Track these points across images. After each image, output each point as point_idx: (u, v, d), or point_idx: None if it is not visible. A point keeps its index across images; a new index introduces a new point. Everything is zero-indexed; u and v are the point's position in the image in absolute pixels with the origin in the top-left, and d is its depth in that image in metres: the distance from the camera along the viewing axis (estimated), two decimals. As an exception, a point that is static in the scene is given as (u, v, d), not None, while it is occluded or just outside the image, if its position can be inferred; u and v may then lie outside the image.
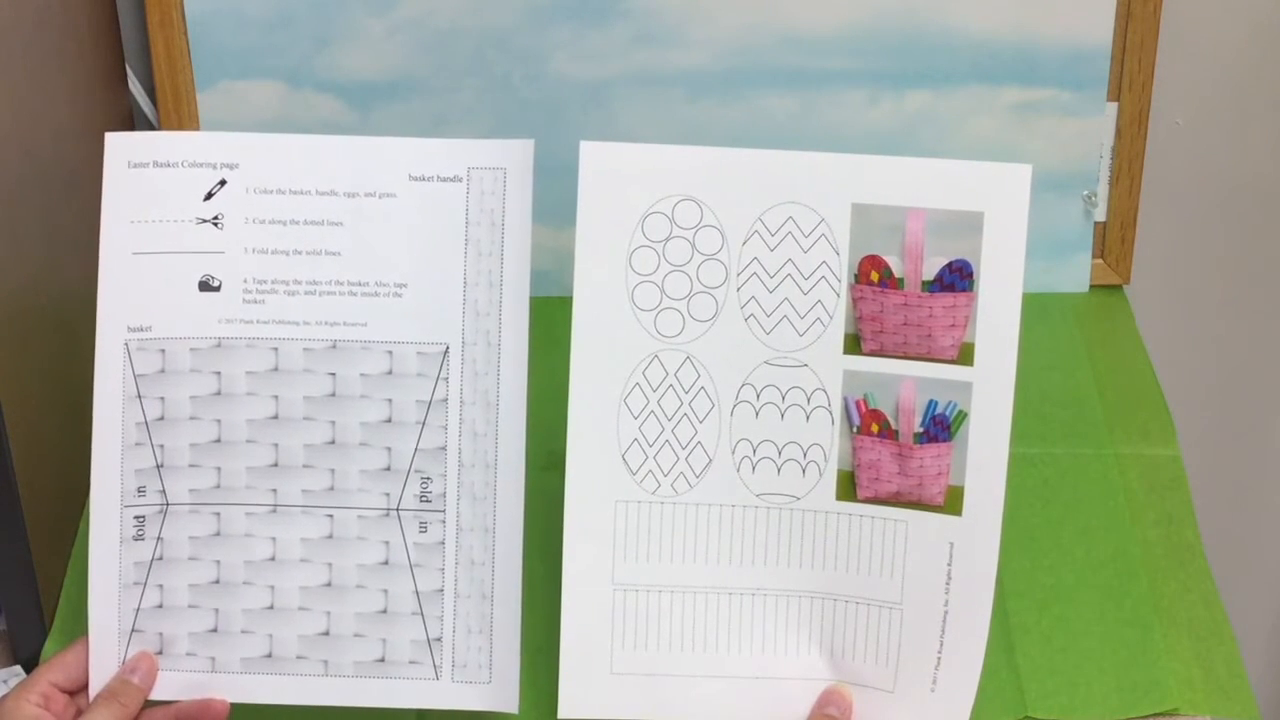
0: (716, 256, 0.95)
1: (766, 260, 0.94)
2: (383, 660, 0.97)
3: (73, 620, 1.05)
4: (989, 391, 0.93)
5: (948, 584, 0.95)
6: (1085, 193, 1.23)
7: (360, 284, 0.97)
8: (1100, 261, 1.25)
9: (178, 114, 1.19)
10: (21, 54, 1.02)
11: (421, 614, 0.97)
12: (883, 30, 1.18)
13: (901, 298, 0.93)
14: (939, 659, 0.96)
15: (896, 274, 0.93)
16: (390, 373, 0.97)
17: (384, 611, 0.97)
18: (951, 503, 0.94)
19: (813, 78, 1.19)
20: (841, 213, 0.93)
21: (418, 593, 0.97)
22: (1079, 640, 1.04)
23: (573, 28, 1.18)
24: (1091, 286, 1.25)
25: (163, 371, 0.96)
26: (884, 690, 0.96)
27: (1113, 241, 1.24)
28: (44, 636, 1.04)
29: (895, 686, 0.96)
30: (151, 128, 1.22)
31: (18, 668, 1.05)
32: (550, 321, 1.13)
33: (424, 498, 0.97)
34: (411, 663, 0.97)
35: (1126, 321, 1.24)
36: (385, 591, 0.97)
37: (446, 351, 0.97)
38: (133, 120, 1.24)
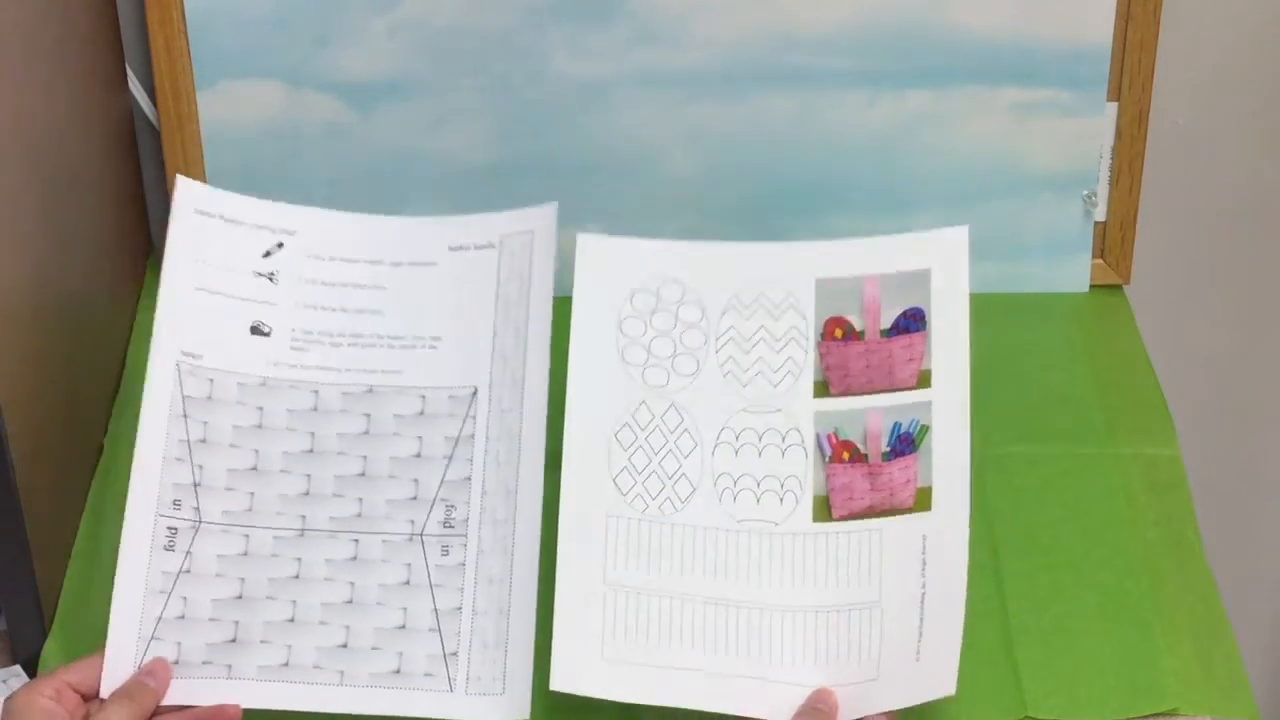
0: (697, 325, 1.03)
1: (741, 327, 1.03)
2: (398, 672, 0.98)
3: (73, 620, 1.05)
4: (947, 404, 1.00)
5: (923, 569, 0.98)
6: (1085, 193, 1.23)
7: (398, 338, 1.04)
8: (1100, 261, 1.25)
9: (178, 114, 1.19)
10: (21, 54, 1.02)
11: (439, 631, 0.99)
12: (883, 30, 1.18)
13: (863, 347, 1.02)
14: (920, 632, 0.97)
15: (858, 327, 1.03)
16: (422, 414, 1.02)
17: (402, 627, 0.99)
18: (921, 501, 1.00)
19: (813, 78, 1.19)
20: (807, 286, 1.04)
21: (436, 611, 0.99)
22: (1079, 640, 1.04)
23: (573, 28, 1.18)
24: (1091, 286, 1.25)
25: (210, 398, 1.01)
26: (869, 679, 0.97)
27: (1113, 241, 1.24)
28: (44, 636, 1.04)
29: (879, 673, 0.97)
30: (151, 128, 1.22)
31: (17, 668, 1.05)
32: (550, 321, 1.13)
33: (448, 523, 1.00)
34: (426, 675, 0.98)
35: (1126, 321, 1.24)
36: (404, 609, 0.99)
37: (475, 393, 1.02)
38: (133, 120, 1.24)
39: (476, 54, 1.18)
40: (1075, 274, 1.25)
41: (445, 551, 1.00)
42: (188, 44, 1.18)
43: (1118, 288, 1.25)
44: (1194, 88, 1.29)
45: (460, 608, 0.99)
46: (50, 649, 1.04)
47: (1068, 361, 1.21)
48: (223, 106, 1.19)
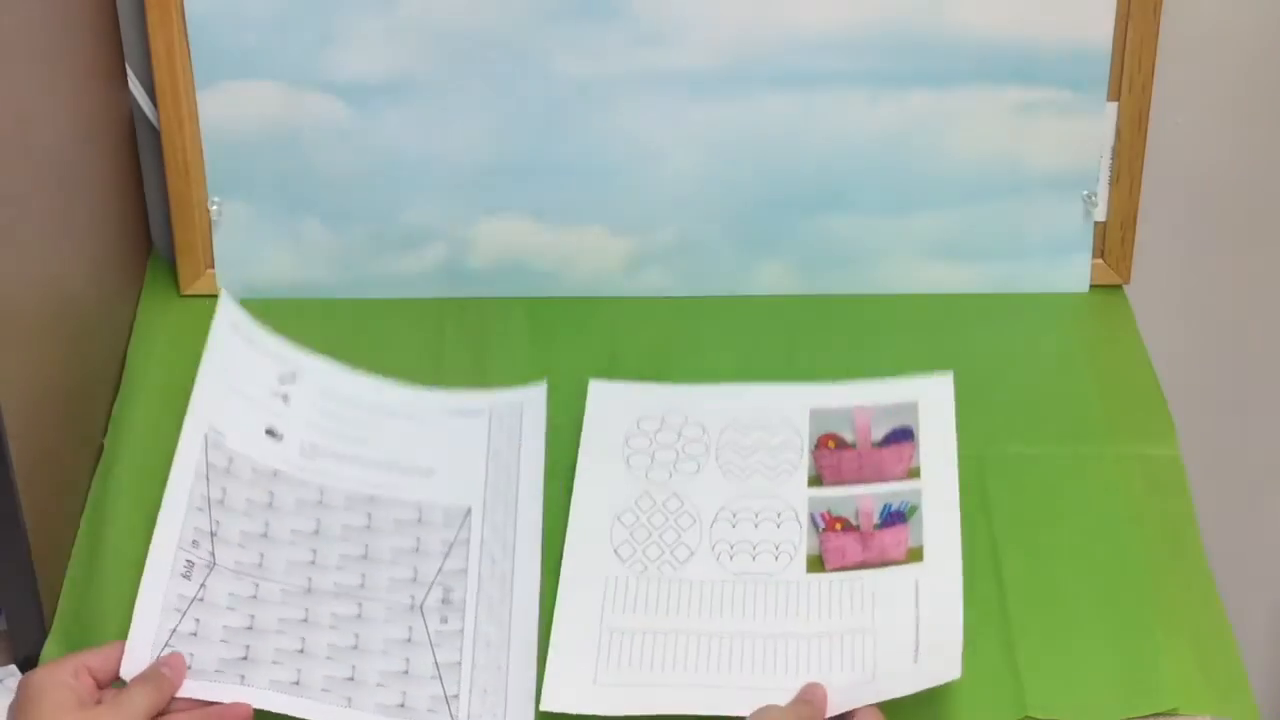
0: (699, 440, 1.12)
1: (740, 441, 1.11)
2: (403, 706, 1.00)
3: (73, 620, 1.05)
4: (937, 490, 1.06)
5: (916, 603, 1.01)
6: (1085, 193, 1.23)
7: (394, 464, 1.11)
8: (1100, 261, 1.25)
9: (178, 114, 1.19)
10: (21, 54, 1.02)
11: (440, 679, 1.01)
12: (883, 30, 1.18)
13: (856, 453, 1.10)
14: (916, 644, 0.98)
15: (849, 440, 1.10)
16: (419, 521, 1.08)
17: (405, 673, 1.01)
18: (912, 556, 1.03)
19: (813, 78, 1.19)
20: (802, 413, 1.12)
21: (437, 663, 1.02)
22: (1079, 640, 1.04)
23: (573, 28, 1.18)
24: (1091, 286, 1.25)
25: (228, 471, 1.06)
26: (865, 682, 0.98)
27: (1113, 241, 1.24)
28: (44, 636, 1.04)
29: (875, 675, 0.98)
30: (151, 128, 1.22)
31: (14, 667, 1.05)
32: (550, 322, 1.13)
33: (446, 601, 1.04)
34: (430, 711, 1.00)
35: (1126, 321, 1.24)
36: (407, 659, 1.02)
37: (469, 511, 1.09)
38: (133, 120, 1.24)
39: (476, 54, 1.18)
40: (1075, 274, 1.25)
41: (444, 620, 1.03)
42: (188, 44, 1.17)
43: (1118, 288, 1.25)
44: (1194, 88, 1.29)
45: (460, 662, 1.02)
46: (50, 649, 1.04)
47: (1068, 361, 1.20)
48: (223, 106, 1.19)
